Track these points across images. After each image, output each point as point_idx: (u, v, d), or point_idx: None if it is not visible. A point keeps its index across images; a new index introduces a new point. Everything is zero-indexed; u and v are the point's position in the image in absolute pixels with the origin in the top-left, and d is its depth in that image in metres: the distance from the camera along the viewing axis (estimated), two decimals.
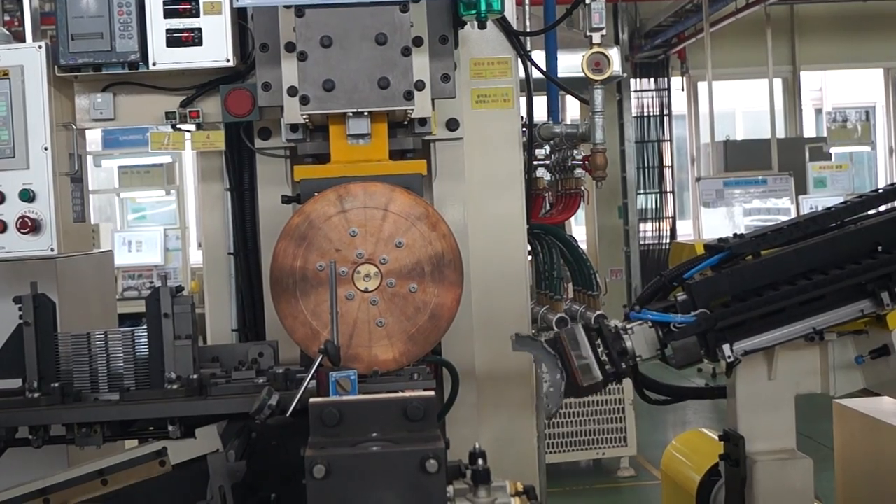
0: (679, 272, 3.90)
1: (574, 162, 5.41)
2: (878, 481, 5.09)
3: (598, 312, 4.96)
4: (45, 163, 4.10)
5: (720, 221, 15.71)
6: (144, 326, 3.69)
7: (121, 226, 15.19)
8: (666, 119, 18.02)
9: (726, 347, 3.71)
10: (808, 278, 3.79)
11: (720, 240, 3.92)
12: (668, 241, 17.51)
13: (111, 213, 15.88)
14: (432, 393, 3.11)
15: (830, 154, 16.60)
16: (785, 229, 3.89)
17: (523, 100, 4.74)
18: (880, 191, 4.04)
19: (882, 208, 4.00)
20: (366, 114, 3.74)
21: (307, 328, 3.63)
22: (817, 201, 14.12)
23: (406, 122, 3.96)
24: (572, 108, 15.07)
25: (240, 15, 4.18)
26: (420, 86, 3.78)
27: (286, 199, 4.03)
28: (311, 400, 3.03)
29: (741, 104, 19.36)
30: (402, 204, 3.65)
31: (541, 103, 5.49)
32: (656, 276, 4.03)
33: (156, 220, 15.75)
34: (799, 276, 3.81)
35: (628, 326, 3.73)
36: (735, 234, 3.98)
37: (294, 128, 3.92)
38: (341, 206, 3.64)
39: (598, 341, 3.77)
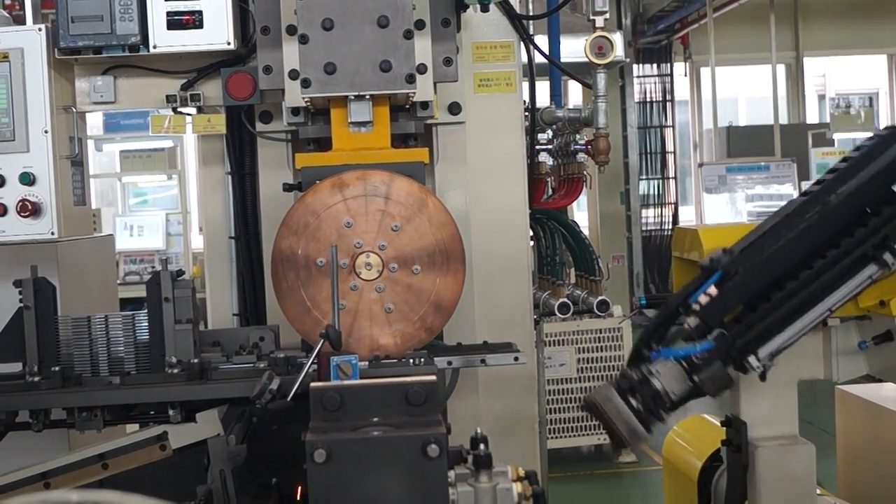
0: (682, 299, 3.86)
1: (576, 146, 5.40)
2: (879, 467, 5.08)
3: (599, 298, 4.95)
4: (46, 146, 4.09)
5: (722, 207, 15.69)
6: (145, 310, 3.69)
7: (122, 210, 15.19)
8: (669, 105, 17.99)
9: (752, 359, 3.70)
10: (809, 267, 3.77)
11: (711, 259, 3.88)
12: (670, 227, 17.48)
13: (113, 198, 15.88)
14: (434, 378, 3.11)
15: (833, 140, 16.57)
16: (770, 230, 3.85)
17: (526, 84, 4.72)
18: (849, 162, 3.98)
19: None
20: (367, 98, 3.72)
21: (309, 318, 3.63)
22: None
23: (408, 106, 3.95)
24: (575, 93, 15.05)
25: None
26: (422, 69, 3.76)
27: (287, 187, 4.01)
28: (312, 384, 3.03)
29: (744, 90, 19.33)
30: (404, 192, 3.64)
31: (543, 88, 5.48)
32: (661, 306, 3.99)
33: (157, 205, 15.76)
34: (801, 266, 3.78)
35: (652, 368, 3.69)
36: (724, 250, 3.94)
37: (295, 111, 3.91)
38: (342, 195, 3.63)
39: (629, 388, 3.73)
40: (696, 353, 3.63)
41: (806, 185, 14.77)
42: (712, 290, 3.78)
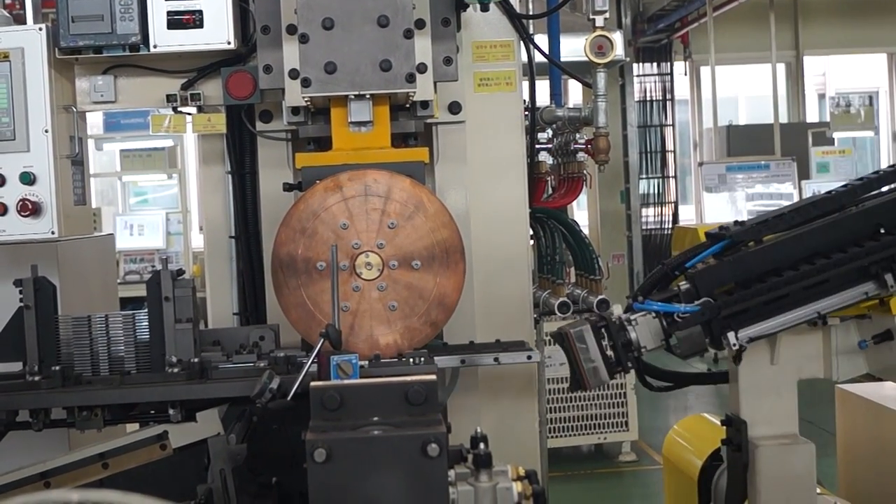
0: (681, 261, 3.88)
1: (576, 146, 5.39)
2: (879, 466, 5.08)
3: (599, 297, 4.95)
4: (46, 145, 4.09)
5: (722, 206, 15.70)
6: (145, 310, 3.68)
7: (123, 209, 15.19)
8: (669, 104, 17.98)
9: (731, 335, 3.70)
10: (811, 263, 3.78)
11: (721, 227, 3.90)
12: (670, 226, 17.47)
13: (113, 197, 15.88)
14: (434, 377, 3.10)
15: (833, 139, 16.57)
16: (786, 215, 3.88)
17: (525, 83, 4.72)
18: (881, 172, 4.01)
19: (883, 189, 3.98)
20: (367, 97, 3.72)
21: (313, 321, 3.63)
22: (820, 186, 14.07)
23: (408, 106, 3.95)
24: (575, 92, 15.03)
25: None
26: (422, 68, 3.76)
27: (287, 187, 4.01)
28: (312, 384, 3.03)
29: (744, 89, 19.32)
30: (398, 190, 3.64)
31: (543, 87, 5.47)
32: (658, 265, 4.01)
33: (158, 204, 15.76)
34: (802, 260, 3.79)
35: (632, 317, 3.70)
36: (736, 222, 3.97)
37: (295, 111, 3.91)
38: (336, 197, 3.63)
39: (604, 332, 3.73)
40: (680, 313, 3.64)
41: (806, 185, 14.77)
42: (711, 259, 3.80)
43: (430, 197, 3.68)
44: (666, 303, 3.70)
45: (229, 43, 4.09)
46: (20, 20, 4.57)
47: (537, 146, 5.07)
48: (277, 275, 3.64)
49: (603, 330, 3.69)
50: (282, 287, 3.64)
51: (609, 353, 3.68)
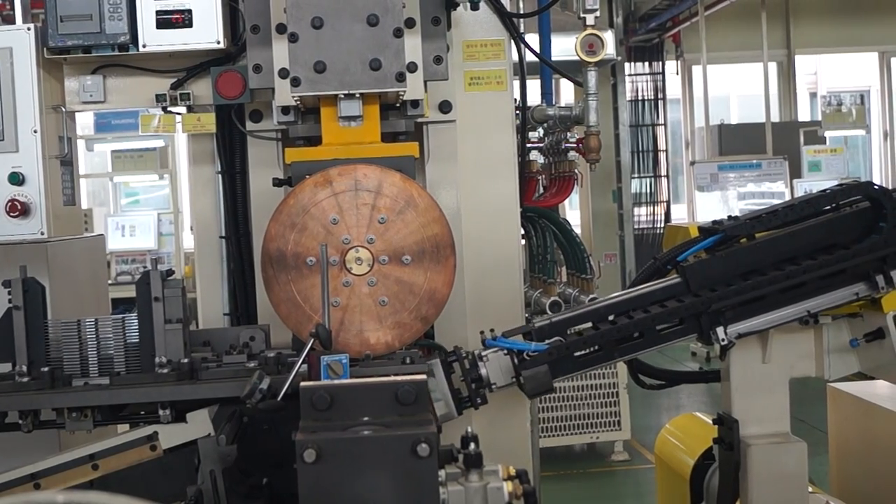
0: (673, 255, 3.89)
1: (567, 145, 5.39)
2: (871, 465, 5.08)
3: (591, 296, 4.94)
4: (35, 146, 4.07)
5: (714, 205, 15.74)
6: (136, 313, 3.67)
7: (114, 210, 15.17)
8: (660, 103, 18.01)
9: (720, 330, 3.70)
10: (803, 261, 3.78)
11: (714, 222, 3.90)
12: (662, 225, 17.51)
13: (104, 198, 15.86)
14: (424, 377, 3.09)
15: (825, 138, 16.61)
16: (780, 212, 3.88)
17: (516, 82, 4.71)
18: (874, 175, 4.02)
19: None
20: (357, 96, 3.71)
21: (302, 314, 3.62)
22: (812, 185, 14.13)
23: (398, 105, 3.94)
24: (566, 91, 15.05)
25: None
26: (412, 67, 3.75)
27: (277, 182, 4.00)
28: (302, 384, 3.02)
29: (736, 88, 19.36)
30: (388, 184, 3.63)
31: (534, 86, 5.47)
32: (651, 260, 4.01)
33: (149, 205, 15.75)
34: (794, 258, 3.79)
35: (484, 354, 3.70)
36: (730, 217, 3.96)
37: (285, 110, 3.89)
38: (326, 192, 3.61)
39: (455, 367, 3.74)
40: (529, 351, 3.65)
41: (798, 183, 14.77)
42: (703, 253, 3.81)
43: (421, 192, 3.67)
44: (522, 339, 3.71)
45: (218, 42, 4.07)
46: (9, 20, 4.56)
47: (528, 145, 5.07)
48: (267, 270, 3.63)
49: (455, 365, 3.70)
50: (271, 282, 3.63)
51: (458, 388, 3.70)
